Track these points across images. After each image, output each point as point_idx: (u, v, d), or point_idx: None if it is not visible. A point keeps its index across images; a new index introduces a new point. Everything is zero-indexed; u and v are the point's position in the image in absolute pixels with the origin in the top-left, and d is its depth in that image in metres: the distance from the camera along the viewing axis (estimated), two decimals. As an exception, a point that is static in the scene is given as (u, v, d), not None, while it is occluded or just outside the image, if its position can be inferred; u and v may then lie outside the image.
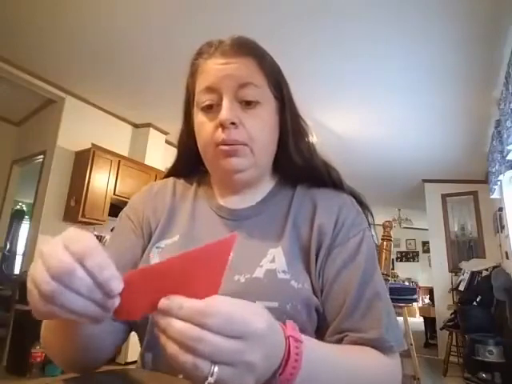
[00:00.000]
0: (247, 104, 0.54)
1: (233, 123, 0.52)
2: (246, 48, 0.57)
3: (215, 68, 0.55)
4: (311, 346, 0.37)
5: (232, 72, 0.54)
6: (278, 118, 0.60)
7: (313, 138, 0.65)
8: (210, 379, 0.28)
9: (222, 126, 0.52)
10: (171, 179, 0.68)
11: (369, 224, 0.61)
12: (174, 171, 0.69)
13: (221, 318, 0.29)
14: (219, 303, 0.30)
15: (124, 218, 0.63)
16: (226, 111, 0.52)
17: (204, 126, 0.55)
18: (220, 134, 0.53)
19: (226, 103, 0.53)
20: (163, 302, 0.30)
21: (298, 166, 0.60)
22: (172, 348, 0.29)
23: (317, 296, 0.52)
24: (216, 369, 0.28)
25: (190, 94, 0.61)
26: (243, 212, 0.59)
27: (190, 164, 0.66)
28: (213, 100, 0.54)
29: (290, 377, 0.33)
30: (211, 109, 0.55)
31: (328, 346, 0.45)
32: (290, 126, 0.60)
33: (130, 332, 0.57)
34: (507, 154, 2.82)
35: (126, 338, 0.56)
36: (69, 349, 0.47)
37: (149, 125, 4.16)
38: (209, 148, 0.55)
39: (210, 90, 0.55)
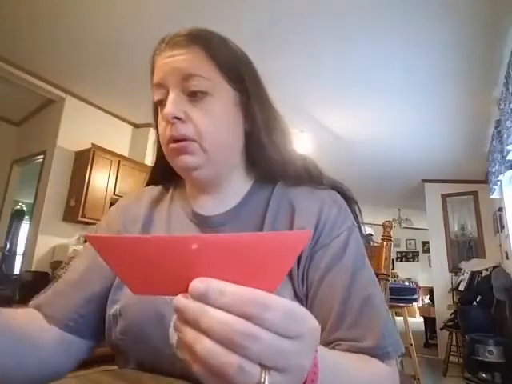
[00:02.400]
0: (194, 96, 0.51)
1: (178, 118, 0.49)
2: (195, 38, 0.53)
3: (163, 63, 0.52)
4: (323, 355, 0.32)
5: (176, 64, 0.51)
6: (241, 111, 0.55)
7: (288, 130, 0.61)
8: None
9: (168, 121, 0.50)
10: (148, 189, 0.66)
11: (356, 218, 0.58)
12: (153, 179, 0.66)
13: (280, 313, 0.23)
14: (274, 296, 0.24)
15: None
16: (169, 105, 0.49)
17: (159, 124, 0.54)
18: (169, 131, 0.51)
19: (170, 97, 0.50)
20: (197, 285, 0.24)
21: (274, 161, 0.56)
22: (209, 345, 0.22)
23: (300, 302, 0.49)
24: (267, 376, 0.23)
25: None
26: (218, 219, 0.56)
27: (165, 169, 0.61)
28: (162, 95, 0.52)
29: None
30: (162, 105, 0.52)
31: (332, 352, 0.41)
32: (261, 118, 0.56)
33: (96, 344, 0.54)
34: (507, 154, 2.82)
35: (85, 356, 0.54)
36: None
37: (149, 125, 4.15)
38: (164, 146, 0.53)
39: (158, 85, 0.52)
